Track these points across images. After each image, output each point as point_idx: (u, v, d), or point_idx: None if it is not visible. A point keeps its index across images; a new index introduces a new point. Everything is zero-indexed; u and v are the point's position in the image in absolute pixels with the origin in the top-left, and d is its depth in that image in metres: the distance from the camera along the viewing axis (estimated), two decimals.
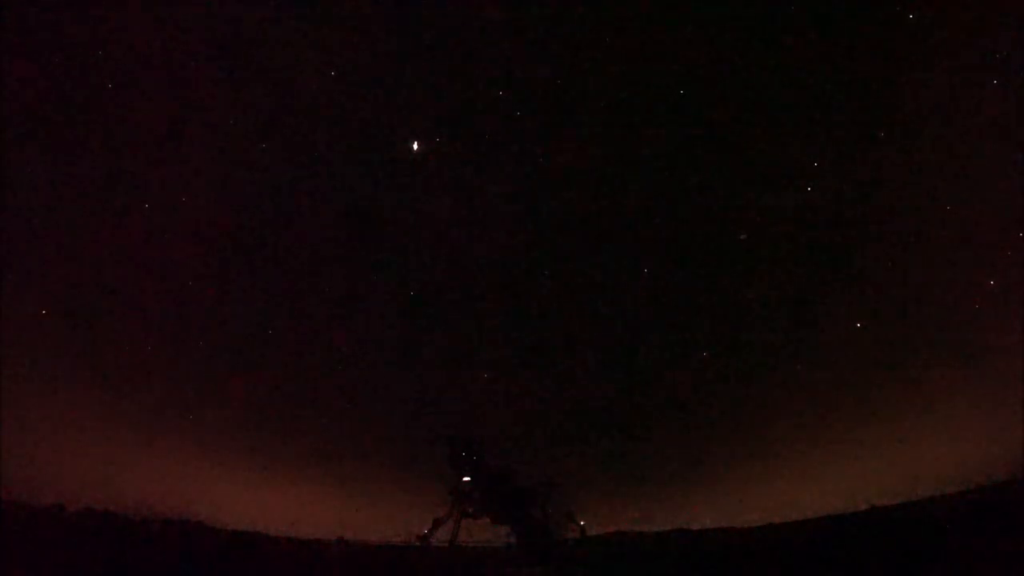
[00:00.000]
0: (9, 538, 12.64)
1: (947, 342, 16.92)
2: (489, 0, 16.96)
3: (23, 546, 12.37)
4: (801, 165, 17.48)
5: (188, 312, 18.01)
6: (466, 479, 14.98)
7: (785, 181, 17.72)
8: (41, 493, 14.72)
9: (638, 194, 18.52)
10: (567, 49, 17.76)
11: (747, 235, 17.90)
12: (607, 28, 17.35)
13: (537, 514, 15.59)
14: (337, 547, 16.06)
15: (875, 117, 17.06)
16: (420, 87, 17.96)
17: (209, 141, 17.62)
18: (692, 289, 18.75)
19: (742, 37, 17.07)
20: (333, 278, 18.68)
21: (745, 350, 18.61)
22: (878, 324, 17.50)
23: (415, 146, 17.96)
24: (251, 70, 17.40)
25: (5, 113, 16.20)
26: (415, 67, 17.79)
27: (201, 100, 17.40)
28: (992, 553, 11.41)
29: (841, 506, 15.92)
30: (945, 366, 16.83)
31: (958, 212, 16.62)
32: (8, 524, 13.37)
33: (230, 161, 17.83)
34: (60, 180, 17.02)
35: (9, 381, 15.01)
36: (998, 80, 15.94)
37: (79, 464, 15.68)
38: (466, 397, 18.66)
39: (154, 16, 16.55)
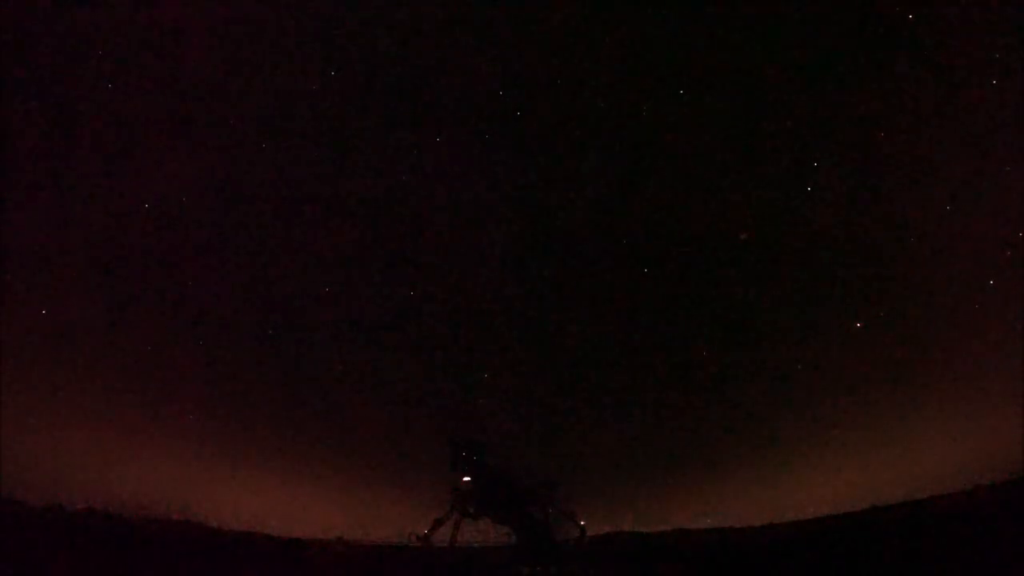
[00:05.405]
0: (8, 538, 12.61)
1: (947, 342, 16.92)
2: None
3: (22, 546, 12.34)
4: (800, 164, 17.52)
5: (188, 311, 18.01)
6: (466, 479, 14.95)
7: (784, 180, 17.76)
8: (40, 493, 14.68)
9: (637, 193, 18.56)
10: (567, 48, 17.80)
11: (747, 235, 17.92)
12: (606, 27, 17.38)
13: (537, 514, 15.56)
14: (337, 547, 16.04)
15: (875, 117, 17.09)
16: (420, 86, 18.00)
17: (208, 140, 17.64)
18: (692, 289, 18.75)
19: (741, 36, 17.11)
20: (333, 278, 18.67)
21: (745, 350, 18.62)
22: (878, 324, 17.52)
23: (415, 145, 18.00)
24: (250, 69, 17.44)
25: (4, 113, 16.22)
26: (415, 66, 17.85)
27: (200, 99, 17.41)
28: (992, 553, 11.42)
29: (841, 506, 15.92)
30: (945, 365, 16.85)
31: (958, 212, 16.65)
32: (7, 524, 13.34)
33: (230, 160, 17.85)
34: (59, 179, 17.02)
35: (9, 381, 15.00)
36: (998, 80, 15.97)
37: (78, 464, 15.64)
38: (466, 397, 18.66)
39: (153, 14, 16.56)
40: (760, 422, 18.20)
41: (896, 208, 17.31)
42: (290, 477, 17.68)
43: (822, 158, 17.42)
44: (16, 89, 16.32)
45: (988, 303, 16.51)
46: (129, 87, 17.07)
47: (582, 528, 16.40)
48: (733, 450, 18.25)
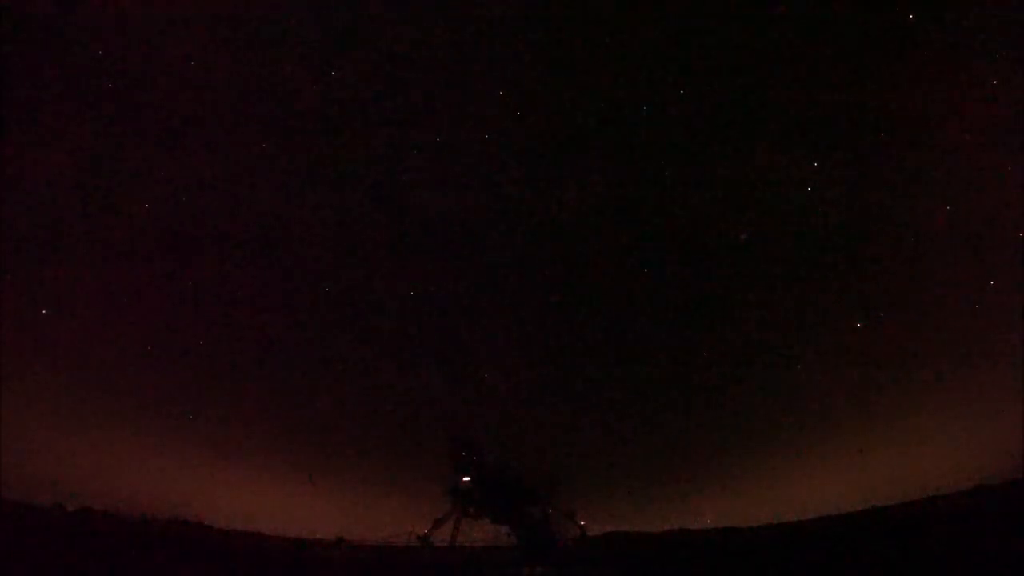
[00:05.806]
0: (9, 538, 12.63)
1: (947, 342, 16.92)
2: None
3: (23, 546, 12.36)
4: (801, 165, 17.51)
5: (188, 311, 18.01)
6: (466, 479, 14.99)
7: (785, 181, 17.74)
8: (41, 493, 14.71)
9: (638, 193, 18.54)
10: (567, 48, 17.79)
11: (747, 235, 17.92)
12: (607, 27, 17.38)
13: (537, 514, 15.62)
14: (337, 547, 16.06)
15: (876, 117, 17.06)
16: (420, 85, 18.01)
17: (209, 140, 17.64)
18: (692, 289, 18.74)
19: (742, 37, 17.11)
20: (333, 277, 18.66)
21: (745, 350, 18.61)
22: (878, 324, 17.51)
23: (414, 146, 18.01)
24: (251, 69, 17.44)
25: (5, 112, 16.23)
26: (415, 65, 17.86)
27: (201, 99, 17.42)
28: (992, 553, 11.43)
29: (841, 506, 15.93)
30: (945, 366, 16.83)
31: (958, 212, 16.63)
32: (8, 524, 13.36)
33: (231, 160, 17.84)
34: (60, 180, 17.03)
35: (9, 381, 15.01)
36: (998, 80, 15.97)
37: (78, 464, 15.65)
38: (466, 397, 18.64)
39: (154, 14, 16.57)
40: (760, 422, 18.23)
41: (896, 208, 17.30)
42: (290, 477, 17.70)
43: (822, 158, 17.42)
44: (15, 88, 16.35)
45: (988, 303, 16.51)
46: (129, 87, 17.11)
47: (582, 528, 16.45)
48: (733, 450, 18.26)
